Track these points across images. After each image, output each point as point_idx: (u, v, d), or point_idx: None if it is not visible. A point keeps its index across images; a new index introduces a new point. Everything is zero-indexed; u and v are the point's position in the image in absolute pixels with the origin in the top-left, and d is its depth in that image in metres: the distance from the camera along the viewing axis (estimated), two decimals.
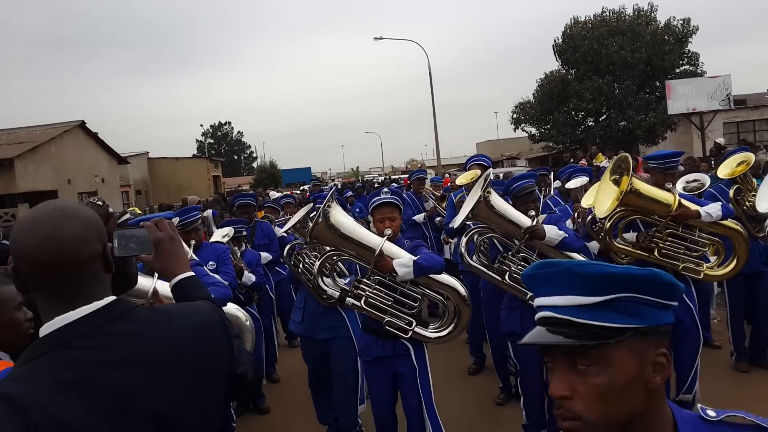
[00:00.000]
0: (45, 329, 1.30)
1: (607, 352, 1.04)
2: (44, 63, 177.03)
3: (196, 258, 4.62)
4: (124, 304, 1.40)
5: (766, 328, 5.50)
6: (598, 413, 1.07)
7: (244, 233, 6.32)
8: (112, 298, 1.38)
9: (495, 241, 4.48)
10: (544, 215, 4.47)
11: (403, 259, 3.69)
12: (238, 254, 5.78)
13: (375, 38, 31.13)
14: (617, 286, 1.05)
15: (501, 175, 10.32)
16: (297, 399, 5.72)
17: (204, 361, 1.45)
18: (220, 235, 5.67)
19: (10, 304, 2.13)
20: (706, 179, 6.52)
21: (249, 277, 5.60)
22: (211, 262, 4.92)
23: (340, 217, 3.74)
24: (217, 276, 4.30)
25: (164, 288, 3.55)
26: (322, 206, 3.71)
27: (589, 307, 1.06)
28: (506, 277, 4.31)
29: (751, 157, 5.52)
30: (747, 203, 5.28)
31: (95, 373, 1.25)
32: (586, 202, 5.42)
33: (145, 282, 3.44)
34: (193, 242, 4.89)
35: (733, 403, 1.16)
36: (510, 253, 4.33)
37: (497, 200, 4.26)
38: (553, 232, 4.16)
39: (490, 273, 4.41)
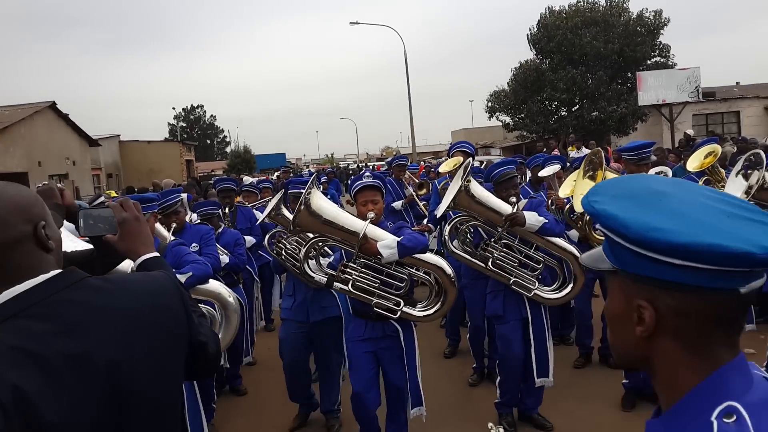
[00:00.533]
0: None
1: (610, 282, 1.09)
2: (10, 41, 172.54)
3: (177, 239, 4.64)
4: (75, 274, 1.39)
5: None
6: (608, 333, 1.16)
7: (218, 214, 6.26)
8: (62, 270, 1.38)
9: (478, 228, 4.58)
10: (525, 201, 4.57)
11: (387, 241, 3.73)
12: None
13: (351, 23, 31.18)
14: (596, 221, 1.07)
15: (483, 164, 10.41)
16: (273, 380, 5.76)
17: (159, 324, 1.44)
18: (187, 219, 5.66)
19: None
20: (668, 171, 6.74)
21: (222, 259, 5.47)
22: (194, 244, 4.92)
23: (321, 203, 3.76)
24: (199, 257, 4.34)
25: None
26: (303, 193, 3.71)
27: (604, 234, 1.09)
28: (489, 263, 4.41)
29: (718, 148, 5.68)
30: None
31: (49, 342, 1.24)
32: (563, 192, 5.55)
33: (125, 264, 3.49)
34: (174, 225, 4.90)
35: None
36: (492, 239, 4.43)
37: (477, 189, 4.33)
38: (533, 219, 4.25)
39: (472, 259, 4.52)
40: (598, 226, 1.14)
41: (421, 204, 8.31)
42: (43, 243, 1.37)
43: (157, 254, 1.76)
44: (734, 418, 0.92)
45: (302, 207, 3.65)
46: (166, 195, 5.27)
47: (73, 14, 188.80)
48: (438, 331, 6.85)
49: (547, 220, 4.30)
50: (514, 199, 4.38)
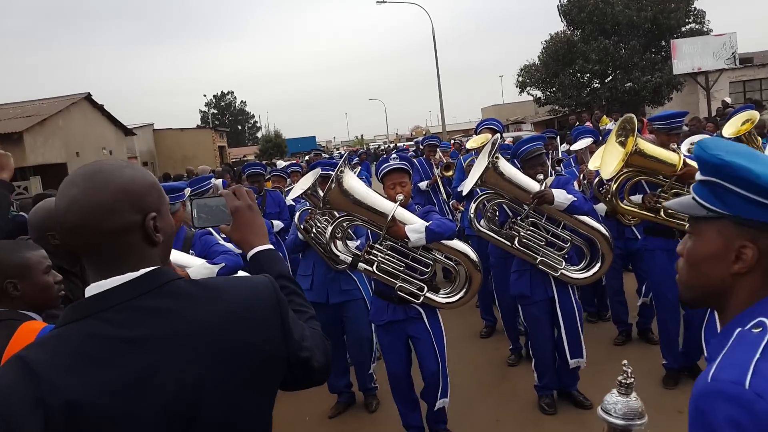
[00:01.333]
0: (87, 292, 1.25)
1: (702, 227, 1.23)
2: (47, 35, 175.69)
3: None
4: (161, 276, 1.26)
5: None
6: (684, 273, 1.29)
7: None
8: (151, 268, 1.26)
9: (504, 206, 4.51)
10: (552, 178, 4.48)
11: (415, 225, 3.71)
12: None
13: (378, 2, 30.79)
14: (714, 172, 1.21)
15: (510, 140, 10.27)
16: None
17: (248, 345, 1.29)
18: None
19: (38, 268, 2.23)
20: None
21: None
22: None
23: (353, 182, 3.73)
24: (229, 245, 4.33)
25: (178, 258, 3.56)
26: (335, 171, 3.69)
27: (700, 183, 1.25)
28: (515, 241, 4.34)
29: (755, 115, 5.50)
30: None
31: (115, 351, 1.15)
32: (593, 164, 5.45)
33: (190, 260, 3.49)
34: None
35: None
36: (519, 218, 4.37)
37: (506, 166, 4.26)
38: (561, 197, 4.16)
39: (499, 238, 4.45)
40: (701, 176, 1.25)
41: (442, 188, 8.18)
42: (150, 236, 1.28)
43: (271, 247, 1.68)
44: (760, 329, 1.11)
45: (333, 184, 3.63)
46: (197, 182, 5.28)
47: (104, 7, 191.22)
48: (474, 311, 6.80)
49: (575, 198, 4.21)
50: (541, 177, 4.29)
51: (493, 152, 4.16)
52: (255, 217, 1.68)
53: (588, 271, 4.54)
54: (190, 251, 3.90)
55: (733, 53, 24.25)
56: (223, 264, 3.71)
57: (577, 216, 4.33)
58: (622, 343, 5.66)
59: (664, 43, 26.38)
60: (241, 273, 3.84)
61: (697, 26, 26.66)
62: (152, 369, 1.16)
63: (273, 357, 1.35)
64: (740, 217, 1.16)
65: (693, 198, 1.25)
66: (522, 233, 4.34)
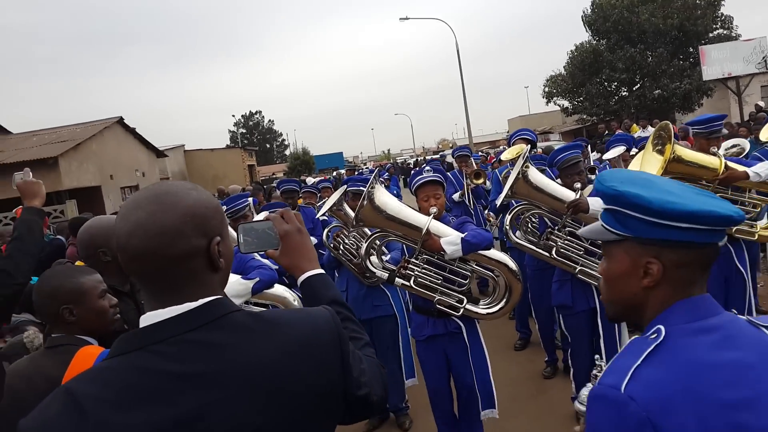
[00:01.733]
0: (141, 322, 1.20)
1: (612, 249, 1.39)
2: (78, 61, 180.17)
3: None
4: (220, 307, 1.21)
5: None
6: (604, 291, 1.44)
7: None
8: (210, 299, 1.21)
9: (543, 217, 4.44)
10: (591, 186, 4.36)
11: (450, 237, 3.65)
12: None
13: (401, 18, 30.95)
14: (612, 201, 1.38)
15: (540, 150, 10.17)
16: None
17: (306, 385, 1.22)
18: (260, 219, 5.63)
19: (93, 293, 2.24)
20: (746, 144, 6.49)
21: None
22: None
23: (384, 198, 3.70)
24: (264, 260, 4.33)
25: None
26: (366, 189, 3.66)
27: (605, 211, 1.41)
28: (553, 252, 4.27)
29: None
30: None
31: (165, 387, 1.11)
32: (634, 168, 5.42)
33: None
34: None
35: None
36: (556, 228, 4.30)
37: (536, 175, 4.19)
38: (597, 205, 4.00)
39: (536, 249, 4.38)
40: (608, 205, 1.40)
41: (471, 197, 8.05)
42: (214, 261, 1.23)
43: (322, 271, 1.60)
44: (655, 335, 1.25)
45: (365, 201, 3.59)
46: (234, 200, 5.31)
47: (132, 31, 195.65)
48: (507, 323, 6.73)
49: None
50: (578, 185, 4.18)
51: (523, 162, 4.12)
52: (304, 240, 1.61)
53: None
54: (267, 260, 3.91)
55: (763, 57, 23.92)
56: (257, 279, 3.67)
57: None
58: None
59: (692, 50, 26.10)
60: (277, 287, 3.85)
61: (725, 32, 26.34)
62: (204, 408, 1.11)
63: (331, 396, 1.28)
64: (641, 238, 1.31)
65: (601, 224, 1.40)
66: (559, 243, 4.27)
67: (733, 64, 23.90)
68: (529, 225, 4.57)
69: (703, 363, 1.19)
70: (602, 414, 1.20)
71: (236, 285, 3.47)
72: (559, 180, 4.43)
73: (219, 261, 1.24)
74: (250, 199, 11.60)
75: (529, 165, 4.17)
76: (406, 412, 4.95)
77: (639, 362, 1.20)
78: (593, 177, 6.48)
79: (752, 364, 1.21)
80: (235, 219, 4.99)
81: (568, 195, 4.15)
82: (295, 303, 3.77)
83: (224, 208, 4.91)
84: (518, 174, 4.09)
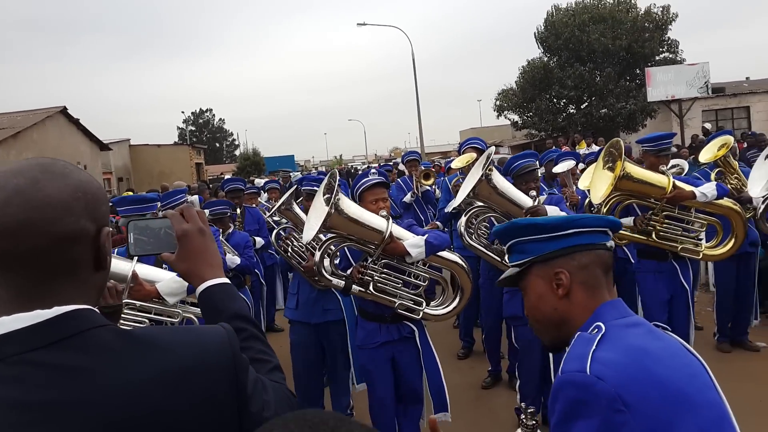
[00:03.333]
0: None
1: (526, 281, 1.57)
2: (22, 47, 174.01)
3: None
4: (78, 321, 0.98)
5: (747, 310, 5.67)
6: (534, 325, 1.60)
7: (229, 214, 6.06)
8: (68, 308, 0.98)
9: (494, 221, 4.40)
10: (544, 196, 4.39)
11: (414, 240, 3.60)
12: (221, 237, 5.55)
13: (358, 24, 31.08)
14: (507, 235, 1.60)
15: (496, 161, 10.18)
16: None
17: (183, 424, 1.00)
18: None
19: None
20: (685, 164, 6.70)
21: (233, 260, 5.35)
22: None
23: (347, 203, 3.63)
24: None
25: (146, 271, 3.35)
26: (332, 198, 3.52)
27: (508, 252, 1.63)
28: (506, 258, 4.22)
29: (730, 140, 5.61)
30: (729, 185, 5.29)
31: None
32: (582, 184, 5.47)
33: (121, 264, 3.19)
34: None
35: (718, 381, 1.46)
36: None
37: (500, 179, 4.17)
38: (554, 213, 4.02)
39: (489, 253, 4.36)
40: (508, 242, 1.62)
41: (421, 200, 8.02)
42: (101, 255, 1.05)
43: (226, 281, 1.37)
44: (596, 330, 1.38)
45: (333, 210, 3.49)
46: (171, 195, 5.08)
47: (82, 21, 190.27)
48: (452, 332, 6.71)
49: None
50: (534, 193, 4.21)
51: (486, 164, 4.08)
52: (207, 243, 1.37)
53: None
54: (164, 265, 3.66)
55: (705, 82, 24.82)
56: None
57: None
58: None
59: (638, 71, 26.90)
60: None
61: (670, 56, 27.28)
62: None
63: None
64: (542, 256, 1.51)
65: (511, 267, 1.61)
66: None
67: (676, 87, 24.72)
68: (481, 230, 4.54)
69: (644, 348, 1.33)
70: (572, 398, 1.27)
71: (171, 283, 3.28)
72: None
73: (107, 258, 1.06)
74: (195, 197, 11.39)
75: (493, 168, 4.14)
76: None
77: (594, 347, 1.32)
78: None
79: (675, 351, 1.38)
80: None
81: (527, 201, 4.16)
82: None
83: (159, 204, 4.64)
84: (482, 176, 4.04)
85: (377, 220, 3.65)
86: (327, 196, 3.58)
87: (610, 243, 1.55)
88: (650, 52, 26.49)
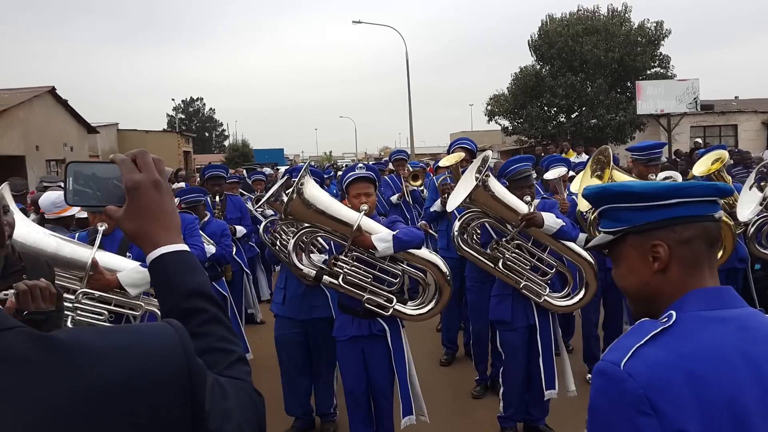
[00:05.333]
0: None
1: (617, 250, 1.43)
2: (14, 25, 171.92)
3: None
4: None
5: None
6: (626, 294, 1.46)
7: (203, 202, 5.90)
8: None
9: (487, 226, 4.37)
10: (537, 201, 4.36)
11: (382, 234, 3.58)
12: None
13: (353, 21, 31.23)
14: (600, 200, 1.45)
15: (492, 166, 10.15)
16: (267, 381, 5.25)
17: None
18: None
19: None
20: (678, 176, 6.74)
21: (208, 249, 5.16)
22: None
23: (315, 191, 3.59)
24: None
25: (108, 260, 3.16)
26: (296, 181, 3.53)
27: (599, 216, 1.48)
28: (499, 263, 4.19)
29: (725, 154, 5.58)
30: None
31: None
32: (574, 188, 5.36)
33: (81, 251, 3.03)
34: None
35: None
36: (504, 239, 4.22)
37: (496, 185, 4.14)
38: (551, 220, 4.04)
39: (482, 259, 4.30)
40: (600, 207, 1.46)
41: (409, 200, 8.03)
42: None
43: (184, 248, 1.14)
44: (666, 319, 1.27)
45: (295, 195, 3.48)
46: None
47: (77, 1, 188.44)
48: (434, 336, 6.55)
49: (564, 223, 4.07)
50: (528, 199, 4.16)
51: (484, 170, 4.04)
52: (163, 200, 1.12)
53: (571, 299, 4.40)
54: (127, 254, 3.55)
55: (695, 98, 25.07)
56: None
57: (564, 242, 4.20)
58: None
59: (629, 84, 27.10)
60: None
61: (661, 70, 27.52)
62: None
63: None
64: (639, 226, 1.37)
65: (601, 231, 1.47)
66: (507, 255, 4.19)
67: (666, 102, 24.94)
68: (474, 235, 4.50)
69: (711, 350, 1.21)
70: (600, 388, 1.23)
71: (133, 273, 3.13)
72: None
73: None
74: (182, 184, 11.27)
75: (490, 174, 4.11)
76: (333, 419, 4.77)
77: (642, 342, 1.23)
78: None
79: (761, 360, 1.22)
80: None
81: (522, 207, 4.12)
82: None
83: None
84: (478, 181, 4.01)
85: (347, 212, 3.63)
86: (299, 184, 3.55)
87: (719, 214, 1.38)
88: (642, 66, 26.71)
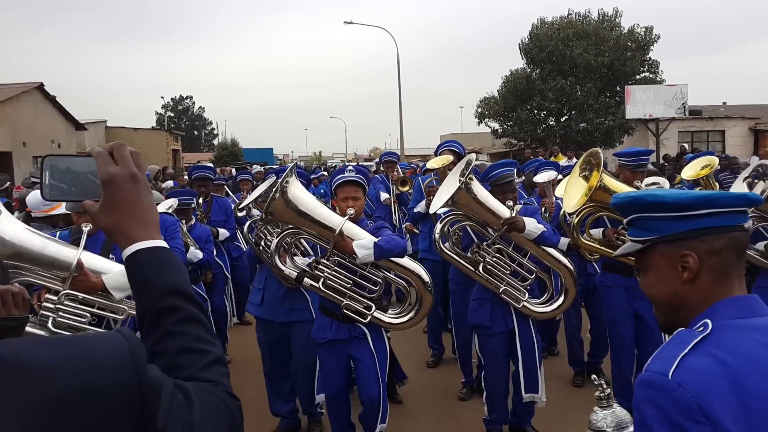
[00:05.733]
0: None
1: (646, 259, 1.43)
2: (6, 22, 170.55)
3: None
4: None
5: None
6: (653, 303, 1.47)
7: (192, 205, 5.84)
8: None
9: (469, 229, 4.36)
10: (520, 206, 4.35)
11: (363, 241, 3.56)
12: (185, 228, 5.39)
13: (345, 22, 31.16)
14: (630, 209, 1.44)
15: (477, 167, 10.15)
16: (251, 382, 5.36)
17: None
18: (165, 206, 5.12)
19: None
20: (665, 183, 6.76)
21: (195, 253, 5.17)
22: None
23: (299, 193, 3.56)
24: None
25: (93, 261, 3.05)
26: (280, 181, 3.52)
27: (628, 225, 1.48)
28: (480, 267, 4.18)
29: (714, 160, 5.64)
30: None
31: None
32: (559, 192, 5.41)
33: (66, 251, 2.94)
34: None
35: None
36: (485, 243, 4.21)
37: (479, 188, 4.13)
38: (532, 225, 4.03)
39: (463, 262, 4.29)
40: (630, 216, 1.46)
41: (395, 207, 7.90)
42: None
43: (162, 243, 1.11)
44: (702, 328, 1.28)
45: (278, 195, 3.44)
46: None
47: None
48: (421, 338, 6.53)
49: (545, 229, 4.08)
50: (510, 203, 4.16)
51: (467, 173, 4.03)
52: (140, 194, 1.09)
53: (550, 305, 4.39)
54: (110, 255, 3.49)
55: (683, 104, 25.22)
56: None
57: (544, 247, 4.19)
58: (582, 384, 5.47)
59: (618, 89, 27.21)
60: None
61: (650, 75, 27.67)
62: None
63: None
64: (669, 236, 1.37)
65: (629, 240, 1.48)
66: (487, 259, 4.18)
67: (654, 107, 25.06)
68: (454, 238, 4.48)
69: (750, 357, 1.22)
70: (649, 399, 1.21)
71: (119, 276, 3.03)
72: None
73: None
74: (170, 182, 11.21)
75: (473, 177, 4.10)
76: (319, 419, 4.74)
77: (686, 351, 1.23)
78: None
79: None
80: None
81: (504, 211, 4.11)
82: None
83: None
84: (461, 184, 4.00)
85: (330, 216, 3.61)
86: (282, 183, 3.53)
87: (748, 224, 1.41)
88: (631, 70, 26.85)
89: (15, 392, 0.70)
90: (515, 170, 4.65)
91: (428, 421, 4.89)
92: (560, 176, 6.87)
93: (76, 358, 0.78)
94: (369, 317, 3.67)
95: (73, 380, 0.75)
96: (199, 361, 1.01)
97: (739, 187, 4.97)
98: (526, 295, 4.25)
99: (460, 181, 4.03)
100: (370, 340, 3.77)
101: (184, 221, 5.24)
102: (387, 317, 3.77)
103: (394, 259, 3.66)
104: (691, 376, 1.18)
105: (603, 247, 4.50)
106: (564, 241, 4.97)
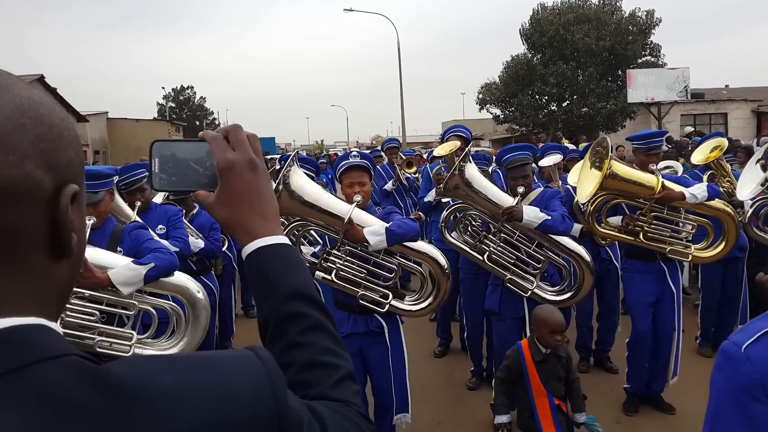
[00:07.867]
0: None
1: None
2: (7, 11, 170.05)
3: (140, 220, 3.94)
4: (20, 348, 0.58)
5: (732, 315, 5.58)
6: None
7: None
8: (18, 322, 0.59)
9: (484, 219, 4.26)
10: (539, 190, 4.22)
11: (374, 227, 3.39)
12: (184, 218, 5.09)
13: (345, 9, 30.90)
14: None
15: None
16: None
17: None
18: (160, 196, 4.94)
19: None
20: (679, 167, 6.66)
21: (196, 243, 4.96)
22: (160, 226, 4.40)
23: (302, 182, 3.35)
24: (164, 241, 3.70)
25: (97, 256, 2.91)
26: (282, 172, 3.29)
27: None
28: (485, 256, 4.11)
29: (725, 142, 5.53)
30: (721, 189, 5.09)
31: None
32: (571, 179, 5.28)
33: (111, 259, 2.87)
34: (138, 203, 4.31)
35: (698, 385, 1.41)
36: (489, 233, 4.13)
37: (474, 174, 3.98)
38: (532, 215, 3.88)
39: (470, 251, 4.22)
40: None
41: (402, 188, 7.97)
42: (66, 232, 0.65)
43: (286, 241, 0.98)
44: None
45: (280, 186, 3.24)
46: (130, 169, 4.54)
47: None
48: (428, 326, 6.43)
49: (549, 217, 3.88)
50: (522, 189, 3.99)
51: (462, 156, 3.95)
52: (261, 183, 0.96)
53: (564, 294, 4.25)
54: (118, 248, 3.32)
55: (685, 87, 25.15)
56: (152, 264, 2.97)
57: (553, 236, 4.05)
58: (586, 370, 5.39)
59: (620, 73, 27.17)
60: (178, 275, 3.14)
61: (652, 59, 27.62)
62: None
63: None
64: None
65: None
66: (492, 248, 4.09)
67: (656, 90, 25.00)
68: (470, 227, 4.43)
69: None
70: (719, 367, 1.18)
71: (125, 270, 2.92)
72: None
73: (71, 235, 0.66)
74: None
75: (468, 161, 3.97)
76: None
77: None
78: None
79: None
80: (131, 191, 4.39)
81: (505, 200, 3.97)
82: (199, 295, 3.13)
83: (116, 178, 4.10)
84: (454, 168, 3.90)
85: (337, 205, 3.43)
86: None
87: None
88: (633, 54, 26.79)
89: (138, 422, 0.60)
90: (531, 155, 4.36)
91: (436, 411, 4.83)
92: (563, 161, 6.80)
93: (210, 386, 0.66)
94: (386, 306, 3.52)
95: (207, 414, 0.64)
96: (329, 376, 0.90)
97: (752, 168, 4.93)
98: (535, 282, 4.13)
99: (454, 165, 3.90)
100: (386, 334, 3.63)
101: (184, 210, 5.07)
102: (404, 304, 3.62)
103: (407, 243, 3.49)
104: (765, 352, 1.11)
105: (622, 234, 4.41)
106: (577, 227, 4.79)
